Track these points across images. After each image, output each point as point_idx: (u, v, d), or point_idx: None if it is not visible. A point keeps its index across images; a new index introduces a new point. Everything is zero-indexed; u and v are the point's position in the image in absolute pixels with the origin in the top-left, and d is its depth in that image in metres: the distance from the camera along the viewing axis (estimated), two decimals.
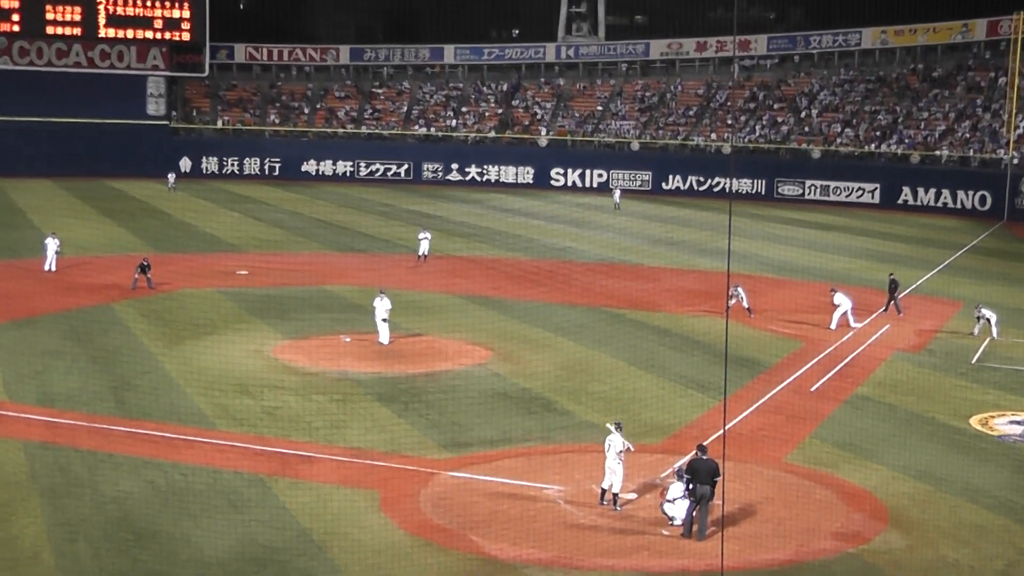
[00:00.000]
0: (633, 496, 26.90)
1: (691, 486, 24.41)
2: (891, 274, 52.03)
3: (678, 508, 24.92)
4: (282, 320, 46.51)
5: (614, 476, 26.11)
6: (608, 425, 27.00)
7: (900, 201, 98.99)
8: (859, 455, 31.10)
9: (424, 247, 62.14)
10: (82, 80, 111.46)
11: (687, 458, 26.66)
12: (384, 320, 41.86)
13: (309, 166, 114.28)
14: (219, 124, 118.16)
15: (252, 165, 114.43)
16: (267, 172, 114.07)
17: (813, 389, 38.13)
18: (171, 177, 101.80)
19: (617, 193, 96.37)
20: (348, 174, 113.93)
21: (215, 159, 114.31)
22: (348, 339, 42.97)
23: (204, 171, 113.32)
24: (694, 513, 24.62)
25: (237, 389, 35.71)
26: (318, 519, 25.08)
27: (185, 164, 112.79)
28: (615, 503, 26.10)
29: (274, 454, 29.61)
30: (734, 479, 27.50)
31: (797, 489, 28.15)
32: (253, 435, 31.17)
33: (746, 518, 26.03)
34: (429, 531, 24.78)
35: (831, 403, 36.45)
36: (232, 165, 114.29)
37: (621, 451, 26.11)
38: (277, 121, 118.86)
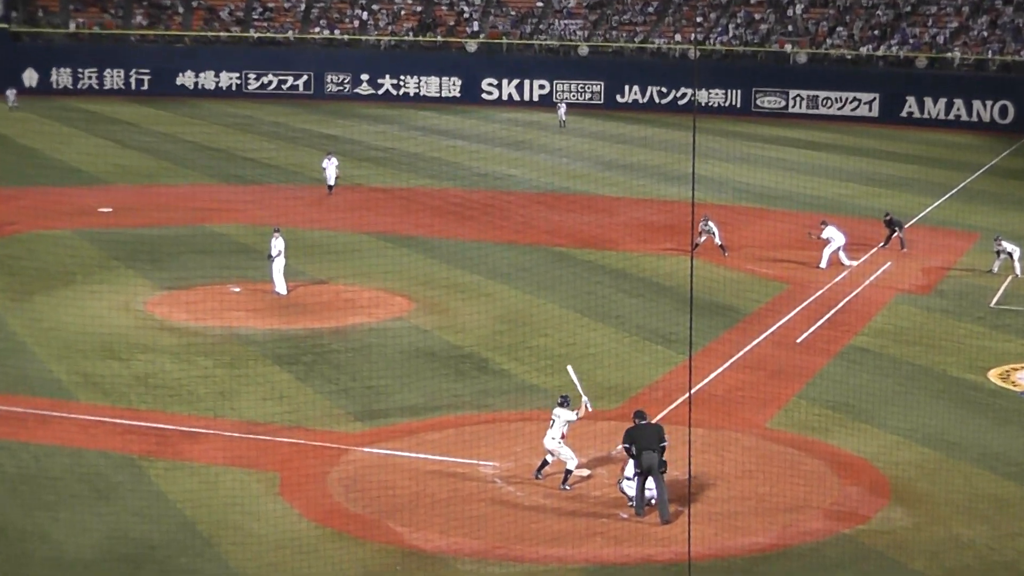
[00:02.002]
0: (586, 473, 27.08)
1: (636, 461, 24.81)
2: (887, 214, 52.37)
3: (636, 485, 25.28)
4: (156, 267, 46.26)
5: (558, 456, 26.40)
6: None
7: (903, 114, 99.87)
8: (855, 418, 31.44)
9: (331, 175, 62.25)
10: None
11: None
12: (276, 263, 42.05)
13: (185, 79, 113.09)
14: (72, 27, 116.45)
15: (115, 78, 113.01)
16: (133, 87, 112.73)
17: (799, 340, 38.44)
18: (11, 94, 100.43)
19: (562, 108, 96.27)
20: (234, 88, 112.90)
21: (67, 71, 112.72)
22: (237, 289, 43.06)
23: (54, 86, 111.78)
24: (648, 490, 24.99)
25: (102, 352, 35.54)
26: (204, 508, 25.10)
27: (30, 77, 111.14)
28: (565, 481, 26.31)
29: (149, 430, 29.56)
30: (706, 449, 27.89)
31: (781, 460, 28.35)
32: (122, 408, 31.08)
33: (720, 496, 26.22)
34: (340, 520, 24.85)
35: (821, 357, 36.74)
36: (89, 78, 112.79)
37: (565, 430, 26.30)
38: (145, 23, 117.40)
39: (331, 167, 62.23)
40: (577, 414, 26.40)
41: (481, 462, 27.67)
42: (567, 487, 26.32)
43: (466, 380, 33.94)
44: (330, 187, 62.05)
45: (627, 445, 25.05)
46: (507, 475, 27.10)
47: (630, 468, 25.42)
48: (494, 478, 26.96)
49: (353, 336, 37.96)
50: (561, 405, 26.52)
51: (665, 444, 24.85)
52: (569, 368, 28.02)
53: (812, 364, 35.98)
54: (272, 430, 29.58)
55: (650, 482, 24.91)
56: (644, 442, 24.81)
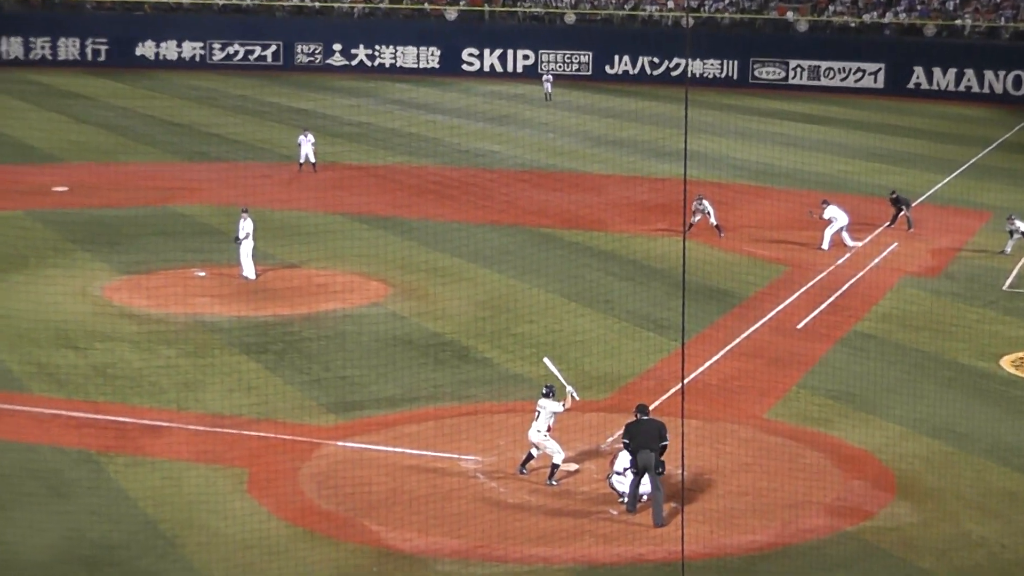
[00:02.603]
0: (574, 468, 27.09)
1: (632, 460, 24.88)
2: (893, 192, 52.41)
3: (629, 482, 25.35)
4: (115, 251, 46.10)
5: (543, 450, 26.43)
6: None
7: (910, 85, 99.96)
8: (859, 408, 31.52)
9: (306, 152, 62.15)
10: None
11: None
12: (243, 246, 42.04)
13: (146, 49, 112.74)
14: None
15: (69, 48, 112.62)
16: (90, 57, 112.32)
17: (800, 326, 38.53)
18: None
19: (549, 80, 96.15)
20: (197, 59, 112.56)
21: (18, 40, 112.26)
22: (202, 273, 43.06)
23: (4, 56, 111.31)
24: (642, 491, 25.09)
25: (57, 341, 35.46)
26: (167, 507, 25.11)
27: None
28: (551, 476, 26.39)
29: (108, 424, 29.50)
30: (701, 442, 27.73)
31: (780, 453, 28.44)
32: (80, 400, 31.03)
33: (716, 491, 26.27)
34: (313, 518, 24.85)
35: (823, 343, 36.82)
36: (42, 48, 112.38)
37: (551, 422, 26.30)
38: None
39: (307, 144, 62.19)
40: (563, 405, 26.37)
41: (462, 456, 27.67)
42: (553, 482, 26.32)
43: (446, 369, 33.88)
44: (300, 164, 62.11)
45: (626, 440, 25.10)
46: (490, 470, 27.08)
47: (620, 462, 25.51)
48: (476, 473, 26.96)
49: (326, 323, 37.90)
50: (546, 396, 26.46)
51: (665, 444, 24.86)
52: (546, 360, 28.09)
53: (813, 351, 36.02)
54: (240, 423, 29.55)
55: (645, 479, 24.97)
56: (642, 439, 24.81)
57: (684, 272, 22.83)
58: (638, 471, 24.80)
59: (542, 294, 40.99)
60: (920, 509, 25.81)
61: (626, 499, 25.30)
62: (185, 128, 76.90)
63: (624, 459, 25.38)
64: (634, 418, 25.41)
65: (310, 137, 62.53)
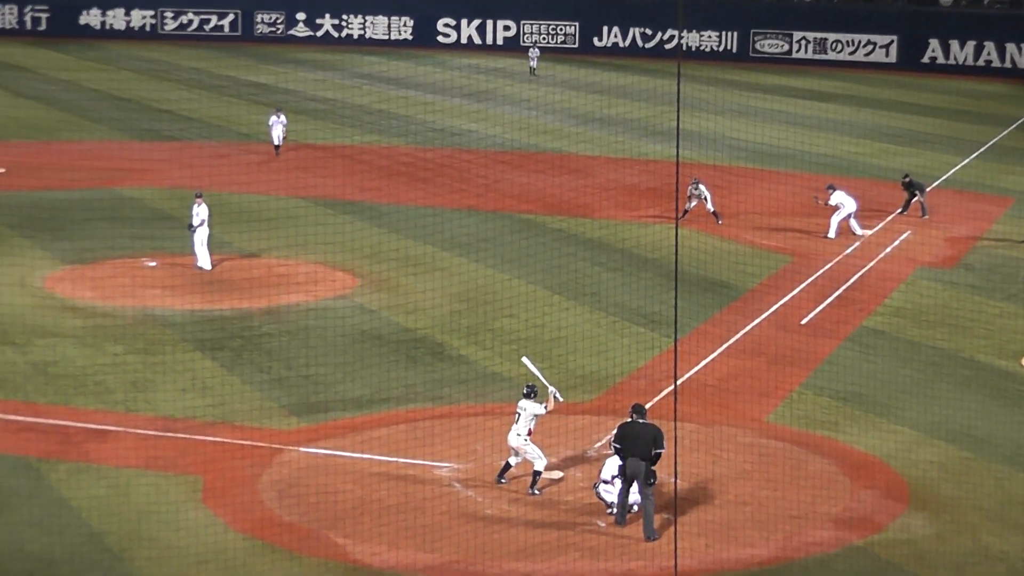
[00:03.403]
0: (557, 475, 27.08)
1: (620, 467, 24.85)
2: (906, 175, 52.41)
3: (617, 491, 25.33)
4: (57, 237, 46.07)
5: (524, 456, 26.43)
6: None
7: (925, 59, 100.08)
8: (869, 411, 31.51)
9: (278, 135, 62.12)
10: None
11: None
12: (198, 233, 42.08)
13: (91, 17, 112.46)
14: None
15: (7, 16, 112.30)
16: (29, 25, 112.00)
17: (804, 322, 38.56)
18: None
19: (535, 54, 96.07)
20: (147, 28, 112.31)
21: None
22: (153, 263, 43.07)
23: None
24: (631, 500, 25.02)
25: None
26: (114, 517, 24.94)
27: None
28: (533, 485, 26.34)
29: (49, 428, 29.41)
30: (696, 447, 27.65)
31: (783, 460, 28.37)
32: (17, 402, 30.92)
33: (713, 502, 26.20)
34: (273, 530, 24.71)
35: (830, 340, 36.80)
36: None
37: (532, 425, 26.27)
38: None
39: (278, 125, 62.30)
40: (545, 407, 26.34)
41: (437, 463, 27.64)
42: (535, 492, 26.29)
43: (419, 368, 33.90)
44: (277, 147, 62.15)
45: (617, 445, 24.96)
46: (466, 478, 27.02)
47: (607, 470, 25.49)
48: (452, 482, 26.92)
49: (288, 318, 37.90)
50: (527, 397, 26.43)
51: (660, 452, 24.66)
52: (525, 360, 27.97)
53: (819, 349, 36.03)
54: (194, 427, 29.42)
55: (635, 487, 24.88)
56: (633, 445, 24.67)
57: (677, 261, 23.13)
58: (626, 479, 24.72)
59: (523, 286, 40.92)
60: (935, 521, 25.73)
61: (614, 510, 25.17)
62: (134, 104, 76.81)
63: (612, 466, 25.34)
64: (629, 419, 25.25)
65: (282, 117, 62.53)
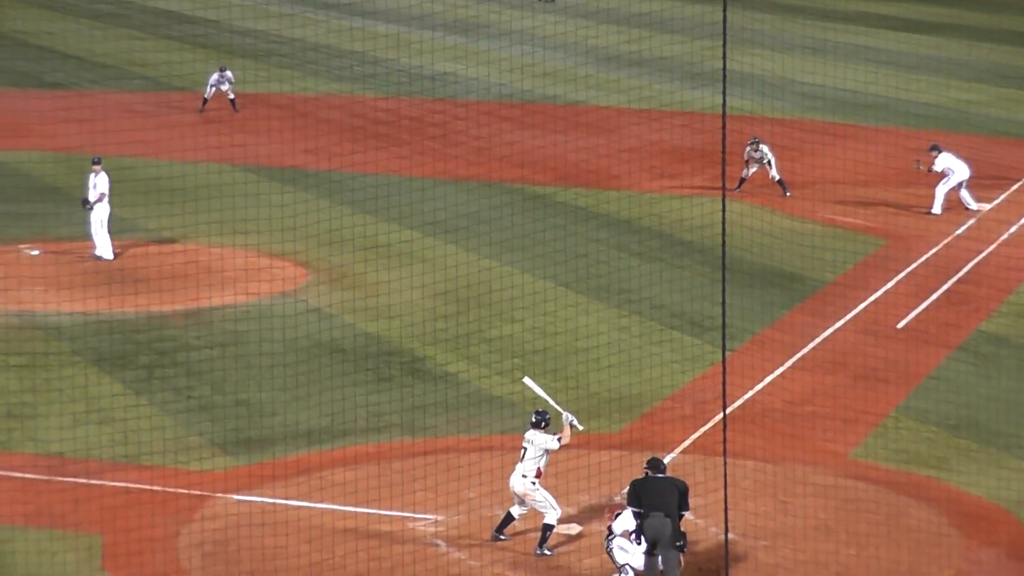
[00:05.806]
0: (576, 530, 25.54)
1: (638, 527, 23.65)
2: None
3: (635, 553, 23.84)
4: None
5: (531, 505, 24.92)
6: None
7: None
8: (987, 443, 29.69)
9: (225, 88, 59.81)
10: None
11: None
12: (96, 211, 40.54)
13: None
14: None
15: None
16: None
17: (902, 325, 36.60)
18: None
19: None
20: None
21: None
22: (36, 252, 41.92)
23: None
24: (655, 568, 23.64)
25: None
26: None
27: None
28: (542, 543, 24.76)
29: None
30: (757, 492, 26.68)
31: (874, 508, 26.77)
32: None
33: (781, 562, 24.61)
34: None
35: (935, 350, 35.00)
36: None
37: (542, 464, 24.77)
38: None
39: (225, 84, 60.40)
40: (559, 440, 24.94)
41: (415, 515, 26.18)
42: (546, 551, 24.79)
43: (392, 390, 32.00)
44: (205, 100, 60.54)
45: (635, 509, 23.57)
46: (454, 535, 25.53)
47: (620, 523, 24.10)
48: (435, 539, 25.52)
49: (218, 323, 36.12)
50: (536, 426, 24.95)
51: (684, 513, 23.43)
52: (527, 380, 26.62)
53: (921, 361, 34.03)
54: (92, 469, 27.79)
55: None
56: (654, 500, 23.32)
57: (724, 246, 22.30)
58: (649, 544, 23.28)
59: (531, 280, 39.06)
60: None
61: (630, 575, 23.98)
62: (7, 40, 76.04)
63: (627, 519, 23.94)
64: (643, 475, 24.09)
65: (228, 74, 60.60)
